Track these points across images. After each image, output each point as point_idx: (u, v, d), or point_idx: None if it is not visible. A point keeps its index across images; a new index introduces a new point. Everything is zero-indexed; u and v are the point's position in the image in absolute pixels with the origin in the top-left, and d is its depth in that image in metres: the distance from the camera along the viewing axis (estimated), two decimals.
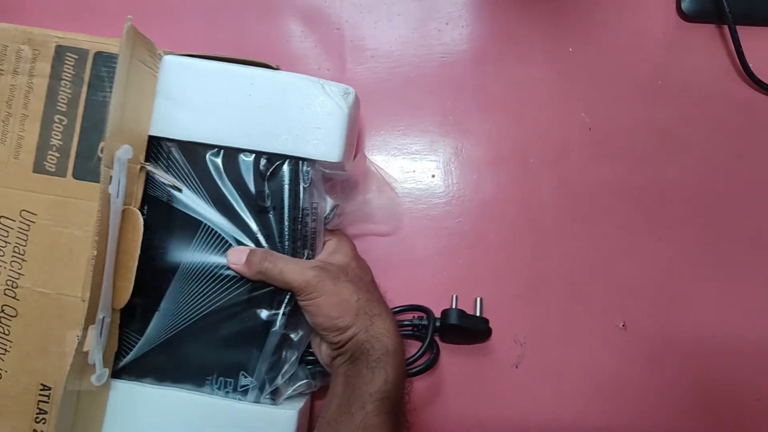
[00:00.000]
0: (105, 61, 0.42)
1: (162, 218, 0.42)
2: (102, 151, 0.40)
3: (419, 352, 0.46)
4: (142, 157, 0.41)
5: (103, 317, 0.39)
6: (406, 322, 0.48)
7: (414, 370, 0.46)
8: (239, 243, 0.42)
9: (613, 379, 0.48)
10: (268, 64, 0.43)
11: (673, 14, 0.52)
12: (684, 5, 0.51)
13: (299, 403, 0.43)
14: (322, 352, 0.42)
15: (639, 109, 0.50)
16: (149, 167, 0.41)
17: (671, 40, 0.52)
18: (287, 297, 0.42)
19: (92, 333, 0.38)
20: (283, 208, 0.42)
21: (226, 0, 0.53)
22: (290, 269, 0.40)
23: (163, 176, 0.41)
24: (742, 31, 0.50)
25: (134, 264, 0.39)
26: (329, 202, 0.43)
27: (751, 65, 0.50)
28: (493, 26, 0.52)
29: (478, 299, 0.49)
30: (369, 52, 0.52)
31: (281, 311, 0.42)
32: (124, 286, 0.40)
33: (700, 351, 0.48)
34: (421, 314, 0.48)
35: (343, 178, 0.44)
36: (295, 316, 0.42)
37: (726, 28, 0.51)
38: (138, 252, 0.39)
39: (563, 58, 0.52)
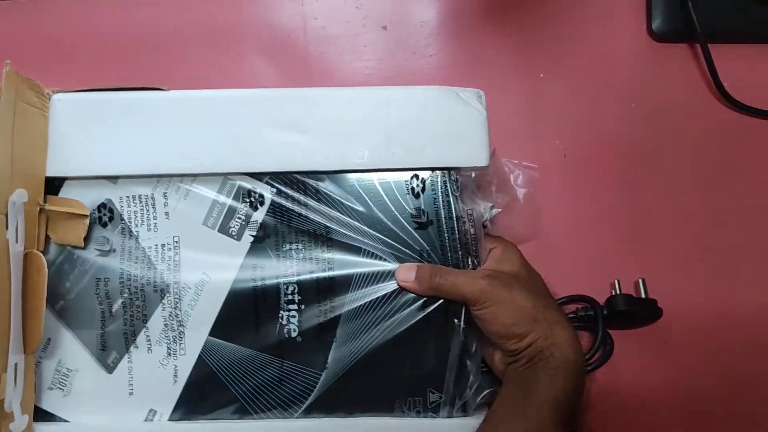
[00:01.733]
0: None
1: (321, 249, 0.42)
2: None
3: (594, 349, 0.46)
4: (40, 199, 0.41)
5: (16, 363, 0.38)
6: (570, 316, 0.47)
7: (590, 367, 0.45)
8: (402, 262, 0.42)
9: None
10: (159, 88, 0.43)
11: (644, 35, 0.52)
12: (655, 25, 0.51)
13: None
14: (496, 360, 0.42)
15: (614, 132, 0.50)
16: (50, 207, 0.41)
17: (643, 61, 0.52)
18: (463, 308, 0.41)
19: (5, 380, 0.37)
20: (440, 220, 0.42)
21: (188, 34, 0.52)
22: (462, 281, 0.40)
23: (70, 210, 0.41)
24: (715, 50, 0.50)
25: (42, 306, 0.39)
26: (484, 206, 0.43)
27: (725, 84, 0.50)
28: (462, 54, 0.53)
29: (641, 281, 0.48)
30: (336, 83, 0.52)
31: (460, 323, 0.42)
32: (34, 330, 0.39)
33: None
34: (585, 305, 0.47)
35: (487, 178, 0.44)
36: (471, 326, 0.42)
37: (698, 47, 0.50)
38: (45, 294, 0.39)
39: (534, 84, 0.52)
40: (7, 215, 0.37)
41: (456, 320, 0.42)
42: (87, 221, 0.41)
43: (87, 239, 0.42)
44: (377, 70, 0.52)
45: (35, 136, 0.41)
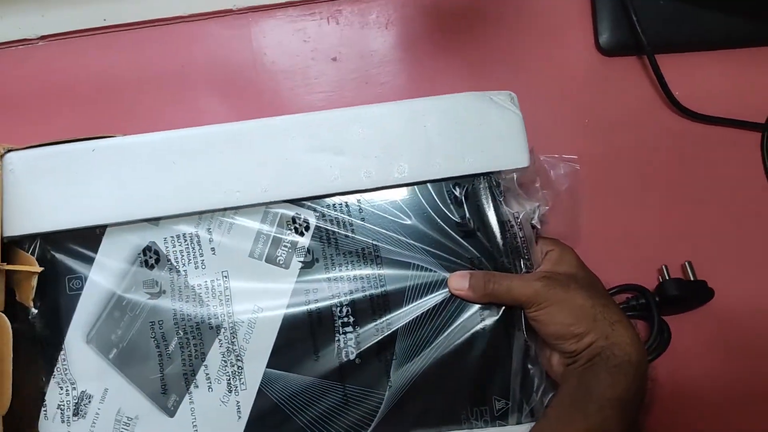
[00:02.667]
0: None
1: (371, 267, 0.42)
2: None
3: (652, 337, 0.46)
4: None
5: None
6: (621, 306, 0.46)
7: (650, 357, 0.45)
8: (453, 272, 0.42)
9: None
10: (109, 135, 0.43)
11: (593, 50, 0.52)
12: (602, 40, 0.51)
13: None
14: (554, 363, 0.41)
15: (570, 150, 0.48)
16: (8, 267, 0.40)
17: (593, 77, 0.52)
18: (522, 312, 0.41)
19: None
20: (486, 226, 0.42)
21: (140, 78, 0.53)
22: (516, 285, 0.40)
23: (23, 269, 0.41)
24: (663, 60, 0.50)
25: (9, 368, 0.38)
26: (531, 207, 0.43)
27: (676, 93, 0.50)
28: (414, 80, 0.53)
29: (687, 263, 0.48)
30: None
31: (521, 327, 0.41)
32: (2, 393, 0.38)
33: None
34: (635, 293, 0.47)
35: (530, 178, 0.44)
36: (531, 329, 0.41)
37: (646, 58, 0.51)
38: (11, 355, 0.38)
39: None
40: None
41: (516, 324, 0.41)
42: (34, 281, 0.41)
43: (134, 284, 0.41)
44: (330, 102, 0.53)
45: None
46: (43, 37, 0.53)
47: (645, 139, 0.50)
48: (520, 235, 0.42)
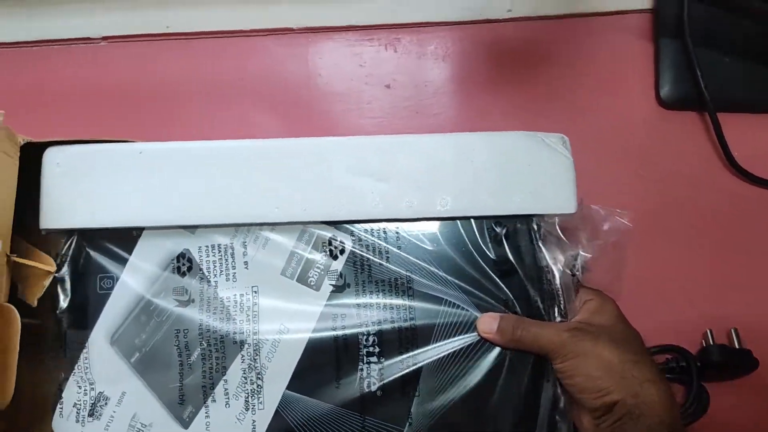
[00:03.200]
0: None
1: (402, 298, 0.41)
2: None
3: (688, 402, 0.44)
4: (8, 249, 0.40)
5: None
6: (660, 367, 0.45)
7: (685, 421, 0.44)
8: (486, 312, 0.41)
9: None
10: (127, 140, 0.43)
11: (653, 102, 0.51)
12: (663, 93, 0.51)
13: None
14: (584, 420, 0.39)
15: (623, 200, 0.47)
16: (18, 259, 0.40)
17: (652, 129, 0.51)
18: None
19: None
20: (524, 268, 0.41)
21: (191, 86, 0.53)
22: (544, 333, 0.39)
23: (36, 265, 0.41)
24: (724, 119, 0.49)
25: (14, 361, 0.38)
26: (572, 254, 0.42)
27: (735, 154, 0.49)
28: (466, 114, 0.53)
29: (733, 330, 0.47)
30: None
31: (549, 378, 0.40)
32: (5, 387, 0.38)
33: None
34: (676, 355, 0.46)
35: (575, 225, 0.43)
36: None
37: (707, 115, 0.50)
38: (17, 348, 0.38)
39: None
40: None
41: (546, 374, 0.40)
42: (47, 281, 0.41)
43: (164, 289, 0.41)
44: (380, 128, 0.52)
45: (5, 185, 0.40)
46: (105, 38, 0.54)
47: (698, 197, 0.49)
48: (558, 281, 0.41)
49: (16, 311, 0.38)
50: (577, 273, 0.41)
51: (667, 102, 0.50)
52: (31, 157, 0.42)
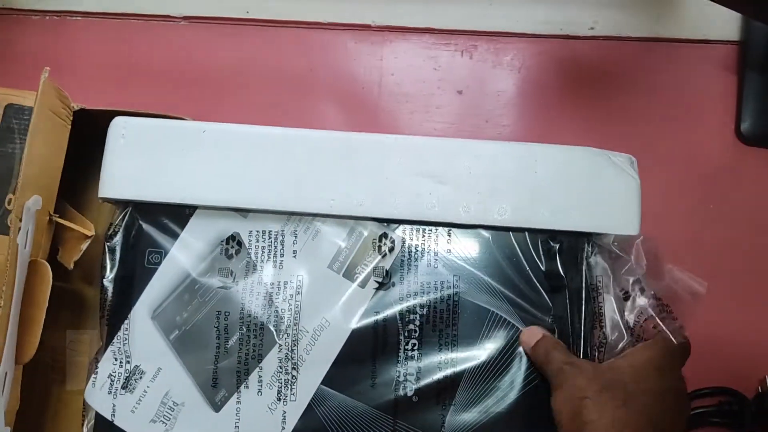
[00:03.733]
0: (16, 113, 0.43)
1: (446, 304, 0.40)
2: (9, 203, 0.39)
3: None
4: (51, 208, 0.41)
5: (6, 373, 0.37)
6: (711, 409, 0.44)
7: None
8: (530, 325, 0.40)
9: None
10: (182, 117, 0.44)
11: (731, 136, 0.50)
12: (743, 127, 0.49)
13: None
14: None
15: (689, 231, 0.47)
16: (59, 219, 0.41)
17: (727, 163, 0.50)
18: None
19: None
20: (575, 287, 0.40)
21: (260, 75, 0.54)
22: (557, 358, 0.37)
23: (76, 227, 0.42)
24: None
25: (42, 317, 0.38)
26: (628, 277, 0.40)
27: None
28: (537, 128, 0.52)
29: None
30: None
31: None
32: (30, 341, 0.38)
33: None
34: (728, 398, 0.44)
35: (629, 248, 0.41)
36: None
37: None
38: (46, 304, 0.38)
39: None
40: (21, 219, 0.37)
41: None
42: (85, 245, 0.41)
43: (210, 270, 0.41)
44: (446, 133, 0.52)
45: (56, 146, 0.41)
46: (186, 18, 0.55)
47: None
48: (600, 301, 0.40)
49: (49, 269, 0.39)
50: (632, 295, 0.40)
51: (747, 137, 0.49)
52: (91, 125, 0.42)
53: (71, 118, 0.42)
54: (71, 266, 0.42)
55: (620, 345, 0.39)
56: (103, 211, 0.48)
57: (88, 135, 0.43)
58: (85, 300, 0.47)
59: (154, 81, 0.54)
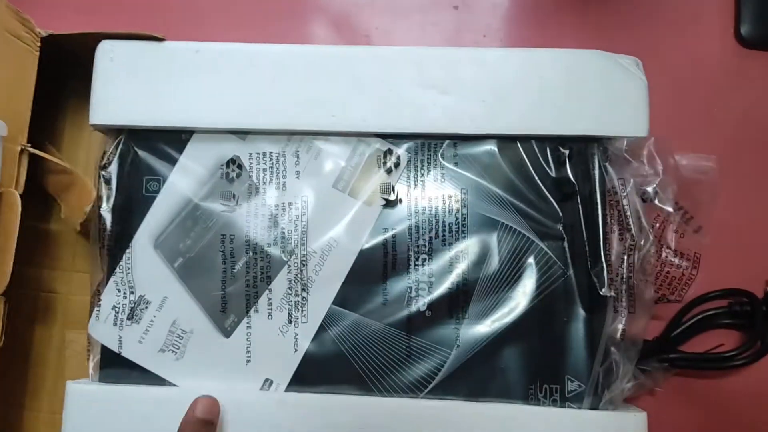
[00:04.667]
0: None
1: (456, 218, 0.40)
2: None
3: (748, 342, 0.42)
4: (23, 139, 0.39)
5: None
6: (721, 310, 0.43)
7: (743, 362, 0.42)
8: (543, 237, 0.39)
9: None
10: (160, 37, 0.41)
11: (731, 40, 0.49)
12: (743, 30, 0.48)
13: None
14: None
15: (693, 138, 0.45)
16: (33, 150, 0.39)
17: (728, 67, 0.48)
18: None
19: None
20: (589, 192, 0.40)
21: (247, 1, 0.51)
22: None
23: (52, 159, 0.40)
24: None
25: (12, 247, 0.37)
26: (641, 178, 0.40)
27: None
28: (536, 41, 0.50)
29: None
30: None
31: (607, 308, 0.39)
32: (2, 270, 0.37)
33: None
34: (739, 299, 0.43)
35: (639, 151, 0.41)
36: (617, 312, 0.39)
37: None
38: (16, 234, 0.37)
39: None
40: None
41: (604, 304, 0.38)
42: (88, 208, 0.40)
43: (211, 195, 0.40)
44: None
45: (22, 72, 0.39)
46: None
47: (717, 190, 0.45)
48: (624, 204, 0.39)
49: (18, 197, 0.37)
50: (650, 197, 0.40)
51: (747, 40, 0.48)
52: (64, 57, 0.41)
53: (38, 44, 0.40)
54: (78, 228, 0.41)
55: (646, 248, 0.39)
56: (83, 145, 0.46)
57: (63, 73, 0.41)
58: (62, 239, 0.46)
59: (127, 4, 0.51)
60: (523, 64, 0.40)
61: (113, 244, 0.40)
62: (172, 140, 0.40)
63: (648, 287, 0.39)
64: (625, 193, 0.39)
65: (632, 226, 0.39)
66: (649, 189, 0.39)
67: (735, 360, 0.41)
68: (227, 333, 0.39)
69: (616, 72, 0.39)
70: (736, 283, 0.43)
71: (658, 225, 0.41)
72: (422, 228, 0.40)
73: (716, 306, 0.43)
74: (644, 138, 0.39)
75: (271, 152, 0.40)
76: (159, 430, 0.37)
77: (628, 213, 0.39)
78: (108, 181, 0.40)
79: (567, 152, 0.40)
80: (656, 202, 0.39)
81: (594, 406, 0.38)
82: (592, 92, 0.39)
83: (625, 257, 0.39)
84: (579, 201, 0.39)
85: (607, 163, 0.39)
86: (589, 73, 0.39)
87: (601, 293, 0.38)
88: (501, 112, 0.39)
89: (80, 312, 0.45)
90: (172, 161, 0.40)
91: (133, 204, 0.40)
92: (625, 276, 0.38)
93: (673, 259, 0.41)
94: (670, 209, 0.39)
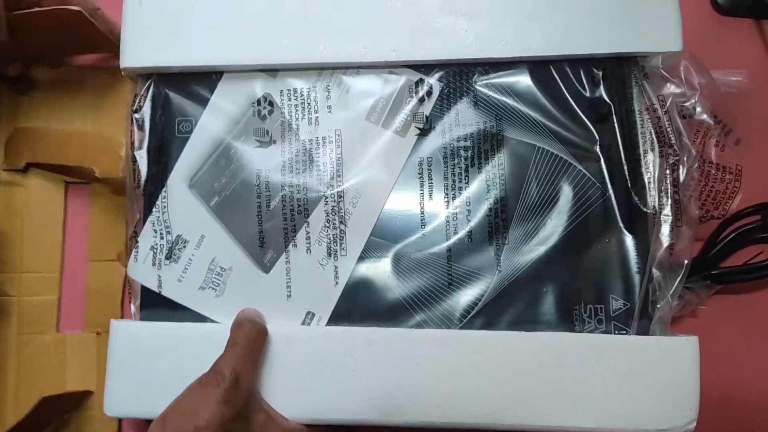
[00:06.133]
0: None
1: (492, 144, 0.40)
2: None
3: None
4: None
5: None
6: (756, 224, 0.42)
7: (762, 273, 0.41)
8: (580, 159, 0.39)
9: None
10: None
11: (708, 7, 0.48)
12: None
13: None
14: None
15: None
16: None
17: (705, 34, 0.47)
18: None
19: None
20: (626, 111, 0.39)
21: None
22: None
23: None
24: None
25: None
26: (681, 93, 0.39)
27: None
28: None
29: None
30: None
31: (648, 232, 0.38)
32: None
33: None
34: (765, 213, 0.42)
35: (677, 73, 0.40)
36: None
37: (764, 23, 0.47)
38: None
39: None
40: None
41: (645, 227, 0.38)
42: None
43: (244, 133, 0.40)
44: None
45: None
46: None
47: (748, 106, 0.44)
48: (665, 120, 0.38)
49: None
50: (691, 113, 0.39)
51: (724, 7, 0.47)
52: None
53: None
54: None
55: (689, 162, 0.38)
56: None
57: None
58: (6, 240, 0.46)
59: None
60: None
61: (148, 186, 0.40)
62: (203, 81, 0.40)
63: (693, 203, 0.38)
64: (665, 110, 0.38)
65: (674, 142, 0.38)
66: (688, 104, 0.39)
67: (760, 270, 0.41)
68: (266, 269, 0.39)
69: None
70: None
71: (698, 140, 0.40)
72: (458, 156, 0.39)
73: (751, 221, 0.42)
74: (679, 54, 0.39)
75: (302, 88, 0.40)
76: (201, 365, 0.37)
77: (669, 129, 0.38)
78: (141, 125, 0.40)
79: (600, 73, 0.39)
80: (695, 117, 0.39)
81: (643, 329, 0.38)
82: (624, 10, 0.39)
83: (668, 173, 0.38)
84: (615, 121, 0.39)
85: (644, 81, 0.39)
86: None
87: (644, 210, 0.38)
88: (532, 35, 0.39)
89: (36, 312, 0.44)
90: (204, 101, 0.40)
91: (166, 145, 0.40)
92: (670, 192, 0.38)
93: (716, 173, 0.40)
94: (711, 122, 0.39)
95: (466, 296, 0.38)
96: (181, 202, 0.40)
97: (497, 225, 0.39)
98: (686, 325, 0.43)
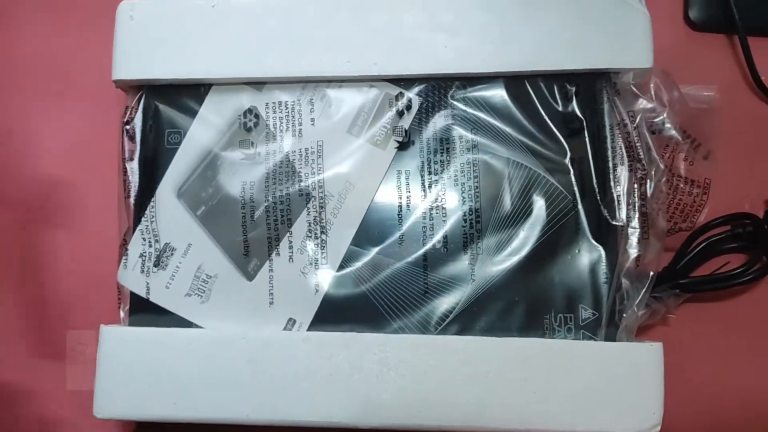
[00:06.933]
0: None
1: (468, 157, 0.41)
2: None
3: (752, 259, 0.42)
4: None
5: None
6: (724, 235, 0.44)
7: (746, 278, 0.42)
8: (552, 172, 0.40)
9: None
10: None
11: (680, 23, 0.49)
12: (692, 14, 0.48)
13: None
14: None
15: None
16: None
17: (677, 50, 0.49)
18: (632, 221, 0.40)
19: None
20: (597, 126, 0.41)
21: None
22: None
23: None
24: (755, 43, 0.47)
25: None
26: (649, 111, 0.41)
27: (762, 77, 0.47)
28: None
29: None
30: None
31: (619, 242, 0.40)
32: None
33: None
34: (741, 222, 0.44)
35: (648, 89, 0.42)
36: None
37: (737, 38, 0.47)
38: None
39: None
40: None
41: (615, 238, 0.39)
42: None
43: (231, 144, 0.41)
44: None
45: None
46: None
47: (723, 122, 0.46)
48: (635, 135, 0.40)
49: None
50: (660, 129, 0.40)
51: (696, 23, 0.48)
52: None
53: None
54: None
55: (657, 177, 0.40)
56: None
57: None
58: None
59: None
60: (527, 3, 0.40)
61: (138, 196, 0.42)
62: (192, 93, 0.42)
63: (660, 216, 0.40)
64: (635, 125, 0.40)
65: (643, 157, 0.40)
66: (657, 120, 0.40)
67: (743, 276, 0.42)
68: (250, 276, 0.41)
69: (619, 6, 0.40)
70: (742, 207, 0.44)
71: (667, 155, 0.42)
72: (434, 168, 0.41)
73: (719, 232, 0.43)
74: (650, 71, 0.40)
75: (286, 101, 0.42)
76: (187, 368, 0.39)
77: (639, 144, 0.40)
78: (132, 136, 0.42)
79: (574, 89, 0.40)
80: (665, 133, 0.40)
81: (610, 337, 0.39)
82: (596, 26, 0.40)
83: (636, 187, 0.39)
84: (587, 135, 0.40)
85: (615, 97, 0.40)
86: (592, 7, 0.40)
87: (612, 223, 0.39)
88: (509, 50, 0.40)
89: None
90: (192, 114, 0.42)
91: (155, 156, 0.42)
92: (638, 205, 0.39)
93: (684, 187, 0.42)
94: (679, 137, 0.40)
95: (441, 304, 0.40)
96: (169, 212, 0.41)
97: (472, 235, 0.40)
98: (657, 333, 0.44)
